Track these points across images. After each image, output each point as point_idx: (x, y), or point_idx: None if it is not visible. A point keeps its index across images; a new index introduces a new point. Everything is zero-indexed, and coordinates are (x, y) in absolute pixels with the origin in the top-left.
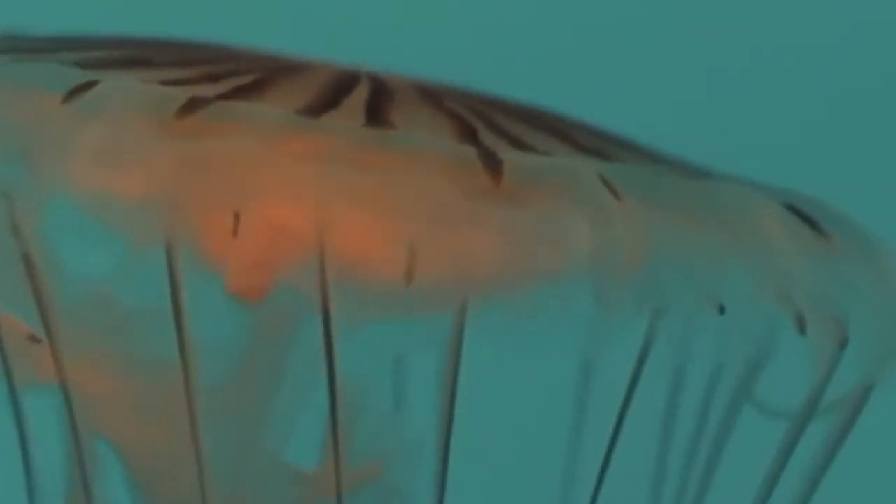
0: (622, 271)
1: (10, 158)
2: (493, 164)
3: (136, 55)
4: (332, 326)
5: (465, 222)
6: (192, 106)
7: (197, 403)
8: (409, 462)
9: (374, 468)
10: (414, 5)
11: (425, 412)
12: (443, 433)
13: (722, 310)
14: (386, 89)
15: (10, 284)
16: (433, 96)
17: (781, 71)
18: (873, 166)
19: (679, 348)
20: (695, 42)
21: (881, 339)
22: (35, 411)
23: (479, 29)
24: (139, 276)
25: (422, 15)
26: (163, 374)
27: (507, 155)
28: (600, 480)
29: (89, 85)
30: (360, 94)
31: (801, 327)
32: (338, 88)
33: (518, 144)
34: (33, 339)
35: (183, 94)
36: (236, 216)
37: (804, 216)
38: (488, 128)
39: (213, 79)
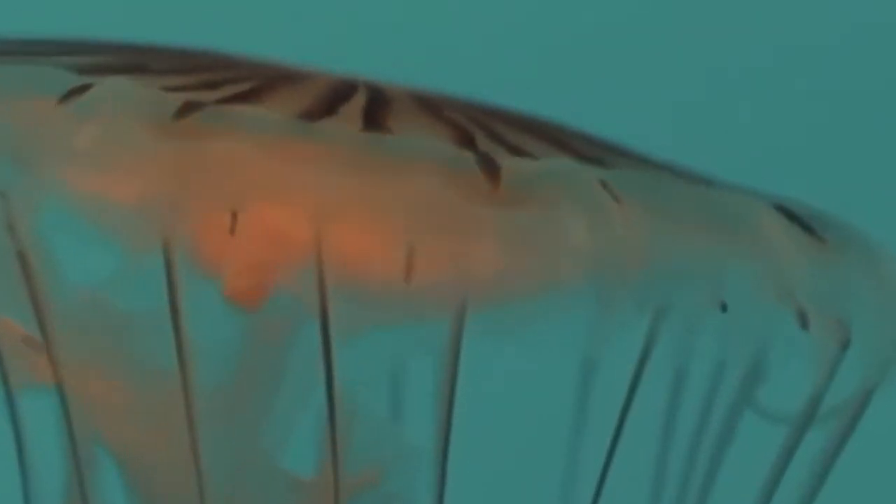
0: (623, 271)
1: (5, 159)
2: (491, 168)
3: (134, 61)
4: (329, 331)
5: (463, 225)
6: (189, 109)
7: (194, 408)
8: (408, 469)
9: (373, 475)
10: (413, 16)
11: (424, 418)
12: (441, 439)
13: (724, 307)
14: (383, 98)
15: (6, 287)
16: (431, 106)
17: (781, 71)
18: (873, 166)
19: (680, 349)
20: (695, 43)
21: (881, 343)
22: (34, 413)
23: (478, 39)
24: (136, 279)
25: (421, 25)
26: (160, 379)
27: (506, 160)
28: (601, 483)
29: (85, 87)
30: (358, 103)
31: (804, 323)
32: (335, 97)
33: (516, 152)
34: (30, 342)
35: (180, 98)
36: (233, 218)
37: (802, 223)
38: (487, 136)
39: (212, 86)
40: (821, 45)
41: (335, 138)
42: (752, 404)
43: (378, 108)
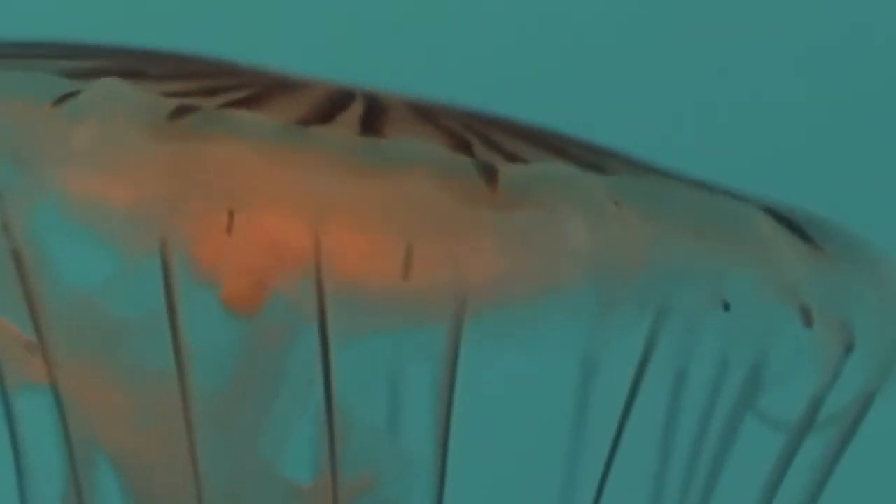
0: (623, 273)
1: (2, 159)
2: (488, 172)
3: (133, 66)
4: (328, 336)
5: (461, 228)
6: (186, 112)
7: (192, 412)
8: (406, 475)
9: (371, 481)
10: (412, 24)
11: (422, 424)
12: (440, 444)
13: (727, 306)
14: (381, 107)
15: (2, 287)
16: (428, 114)
17: (781, 71)
18: (873, 166)
19: (681, 350)
20: (695, 44)
21: (883, 345)
22: (31, 415)
23: (476, 48)
24: (133, 281)
25: (419, 34)
26: (157, 382)
27: (503, 165)
28: (602, 486)
29: (83, 90)
30: (355, 112)
31: (808, 321)
32: (332, 105)
33: (514, 159)
34: (26, 343)
35: (178, 102)
36: (230, 220)
37: (800, 229)
38: (484, 144)
39: (210, 92)
40: (821, 45)
41: (332, 143)
42: (753, 409)
43: (375, 116)
